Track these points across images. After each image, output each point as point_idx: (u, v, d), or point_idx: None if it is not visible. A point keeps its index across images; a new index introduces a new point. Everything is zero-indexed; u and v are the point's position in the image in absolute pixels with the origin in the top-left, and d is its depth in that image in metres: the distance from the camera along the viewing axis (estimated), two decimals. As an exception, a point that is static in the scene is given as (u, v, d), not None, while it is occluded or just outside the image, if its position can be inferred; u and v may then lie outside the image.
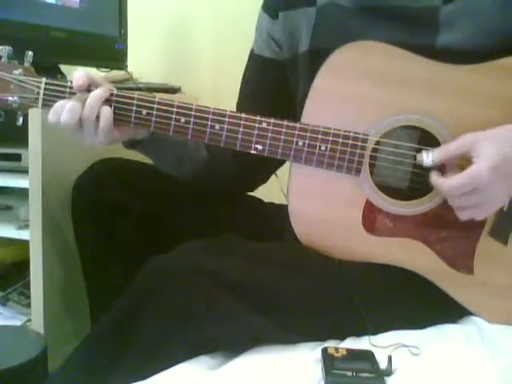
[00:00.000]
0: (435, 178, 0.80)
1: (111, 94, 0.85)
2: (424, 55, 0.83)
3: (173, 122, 0.86)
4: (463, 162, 0.79)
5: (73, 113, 0.82)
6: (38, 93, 0.85)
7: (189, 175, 1.05)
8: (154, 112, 0.85)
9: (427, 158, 0.80)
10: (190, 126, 0.86)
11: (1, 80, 0.84)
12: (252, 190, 1.17)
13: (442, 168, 0.82)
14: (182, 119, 0.86)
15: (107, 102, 0.85)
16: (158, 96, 0.87)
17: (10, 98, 0.85)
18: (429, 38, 0.86)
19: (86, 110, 0.83)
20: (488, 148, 0.76)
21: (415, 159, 0.84)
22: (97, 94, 0.83)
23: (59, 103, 0.84)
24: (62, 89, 0.85)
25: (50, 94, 0.85)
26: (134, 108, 0.85)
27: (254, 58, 1.08)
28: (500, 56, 0.82)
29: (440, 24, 0.86)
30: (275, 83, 1.04)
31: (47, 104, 0.85)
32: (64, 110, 0.83)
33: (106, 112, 0.84)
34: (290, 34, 1.00)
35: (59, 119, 0.83)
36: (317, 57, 0.88)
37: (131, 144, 0.94)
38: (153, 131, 0.90)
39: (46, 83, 0.85)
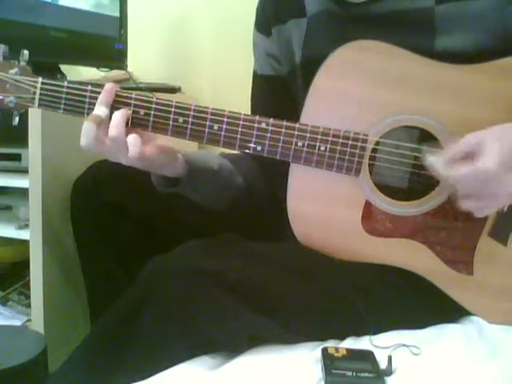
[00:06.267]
0: (444, 167, 0.76)
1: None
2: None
3: (171, 122, 0.85)
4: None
5: (88, 135, 0.81)
6: (35, 92, 0.84)
7: (228, 204, 1.03)
8: (152, 112, 0.85)
9: (437, 159, 0.78)
10: (189, 126, 0.85)
11: (-3, 79, 0.84)
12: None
13: None
14: (181, 119, 0.85)
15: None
16: (156, 96, 0.87)
17: (6, 98, 0.85)
18: (426, 42, 0.85)
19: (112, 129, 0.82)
20: (492, 146, 0.74)
21: (415, 159, 0.84)
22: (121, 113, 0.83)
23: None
24: (58, 88, 0.84)
25: (46, 94, 0.85)
26: (132, 108, 0.85)
27: (257, 78, 1.09)
28: (500, 58, 0.82)
29: (436, 27, 0.86)
30: (283, 98, 1.03)
31: (43, 104, 0.85)
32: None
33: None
34: (286, 47, 1.00)
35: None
36: (310, 67, 0.87)
37: (168, 184, 0.93)
38: (187, 171, 0.91)
39: (42, 83, 0.84)
